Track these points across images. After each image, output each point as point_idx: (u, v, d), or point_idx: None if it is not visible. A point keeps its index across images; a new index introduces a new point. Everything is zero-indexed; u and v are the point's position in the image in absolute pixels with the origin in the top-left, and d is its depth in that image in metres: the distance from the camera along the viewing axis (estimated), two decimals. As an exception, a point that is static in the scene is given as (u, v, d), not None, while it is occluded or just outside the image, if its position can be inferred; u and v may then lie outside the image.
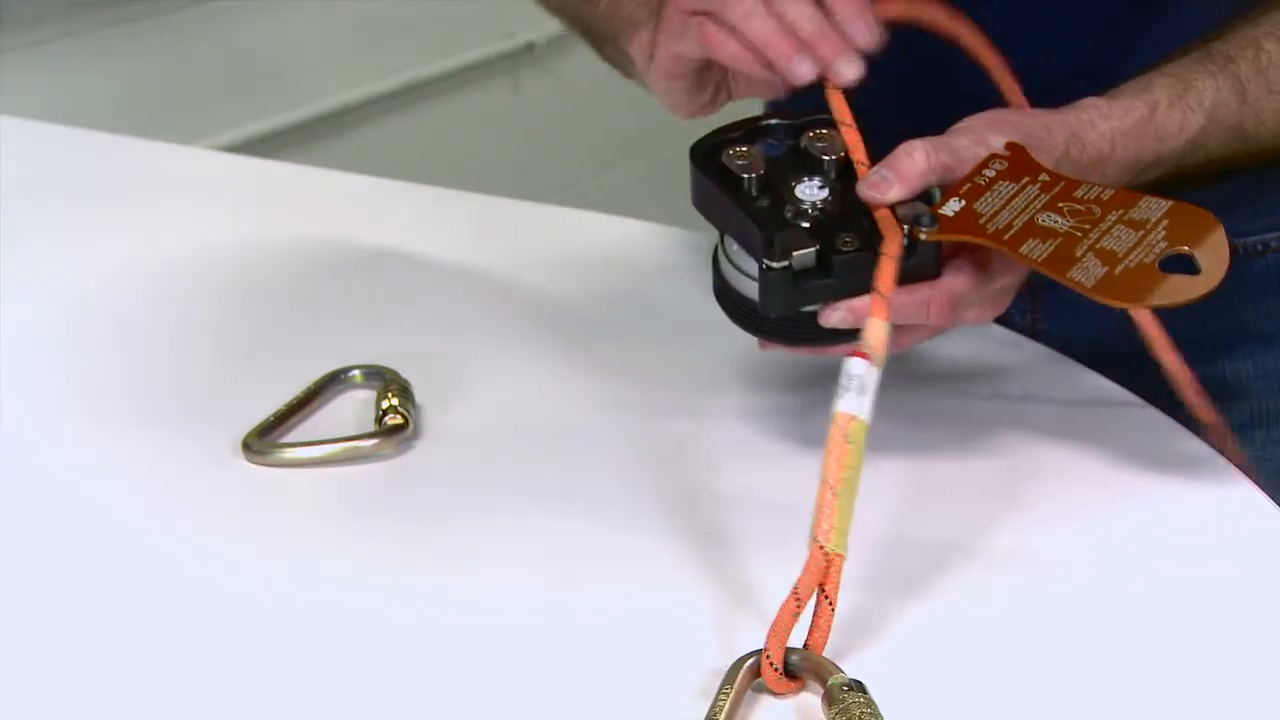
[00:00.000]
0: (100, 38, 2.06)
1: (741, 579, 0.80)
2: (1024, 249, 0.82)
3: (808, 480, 0.75)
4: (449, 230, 1.18)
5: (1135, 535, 0.84)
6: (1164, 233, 0.83)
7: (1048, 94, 0.92)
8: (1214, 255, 0.82)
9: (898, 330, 0.85)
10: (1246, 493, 0.86)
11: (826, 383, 0.78)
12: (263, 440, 0.91)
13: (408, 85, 2.45)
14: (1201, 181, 0.91)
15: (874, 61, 0.89)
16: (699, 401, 0.95)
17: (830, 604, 0.73)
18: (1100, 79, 0.93)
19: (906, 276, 0.83)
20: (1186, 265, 0.82)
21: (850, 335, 0.82)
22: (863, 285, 0.82)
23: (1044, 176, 0.85)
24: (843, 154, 0.87)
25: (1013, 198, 0.84)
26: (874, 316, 0.80)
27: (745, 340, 0.88)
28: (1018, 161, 0.85)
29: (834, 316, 0.84)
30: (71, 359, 1.02)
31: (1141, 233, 0.83)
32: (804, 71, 0.88)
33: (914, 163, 0.84)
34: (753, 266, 0.85)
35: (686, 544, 0.83)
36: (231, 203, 1.23)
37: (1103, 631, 0.77)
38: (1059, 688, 0.74)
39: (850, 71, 0.88)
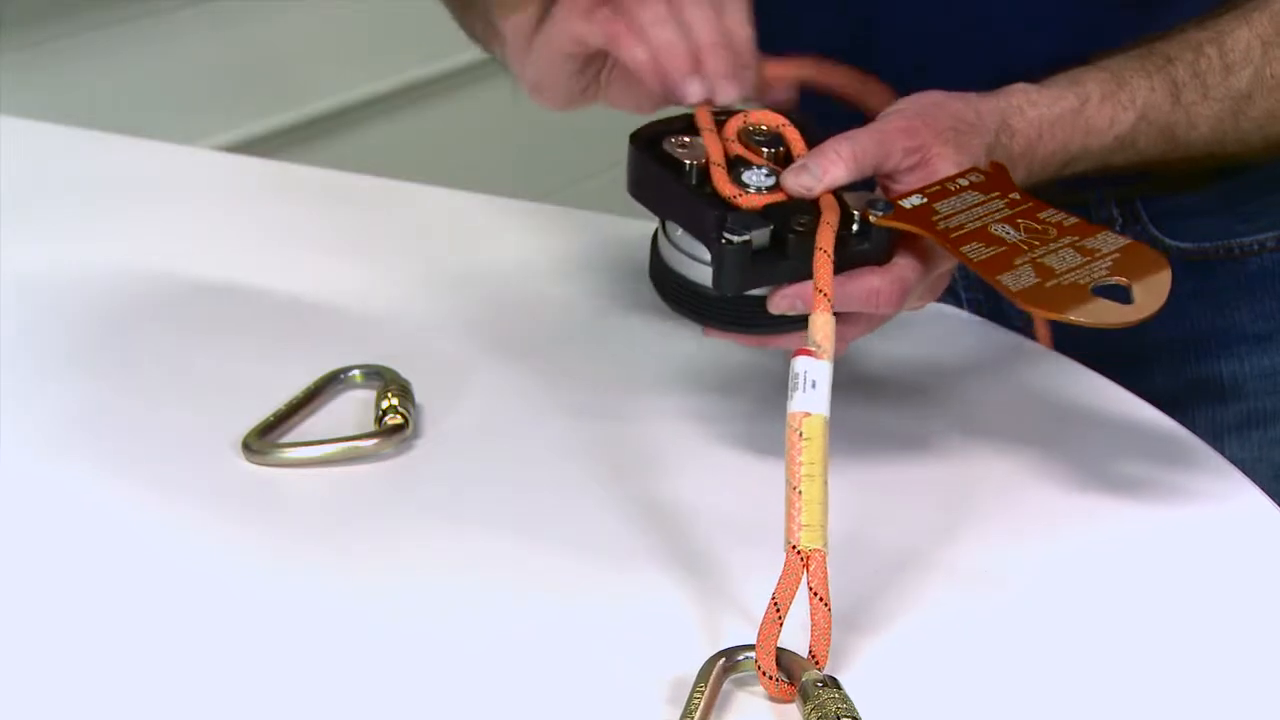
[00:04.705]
0: (100, 38, 2.05)
1: (736, 578, 0.80)
2: (965, 249, 0.82)
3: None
4: (449, 230, 1.18)
5: (1135, 535, 0.84)
6: (1109, 264, 0.82)
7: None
8: (1151, 291, 0.81)
9: (844, 321, 0.83)
10: (1246, 492, 0.86)
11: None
12: (263, 440, 0.91)
13: (408, 85, 2.44)
14: (1139, 177, 0.91)
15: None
16: (705, 401, 0.95)
17: (825, 604, 0.73)
18: None
19: (856, 260, 0.83)
20: (1123, 296, 0.81)
21: (795, 323, 0.82)
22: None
23: (1014, 195, 0.85)
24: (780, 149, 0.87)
25: (975, 206, 0.84)
26: (815, 311, 0.79)
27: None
28: (995, 179, 0.85)
29: (783, 303, 0.83)
30: (71, 359, 1.02)
31: (1088, 259, 0.82)
32: (693, 92, 0.87)
33: (840, 157, 0.84)
34: (701, 250, 0.84)
35: (682, 544, 0.83)
36: (231, 203, 1.23)
37: (1101, 631, 0.77)
38: (1056, 688, 0.74)
39: (729, 93, 0.87)
